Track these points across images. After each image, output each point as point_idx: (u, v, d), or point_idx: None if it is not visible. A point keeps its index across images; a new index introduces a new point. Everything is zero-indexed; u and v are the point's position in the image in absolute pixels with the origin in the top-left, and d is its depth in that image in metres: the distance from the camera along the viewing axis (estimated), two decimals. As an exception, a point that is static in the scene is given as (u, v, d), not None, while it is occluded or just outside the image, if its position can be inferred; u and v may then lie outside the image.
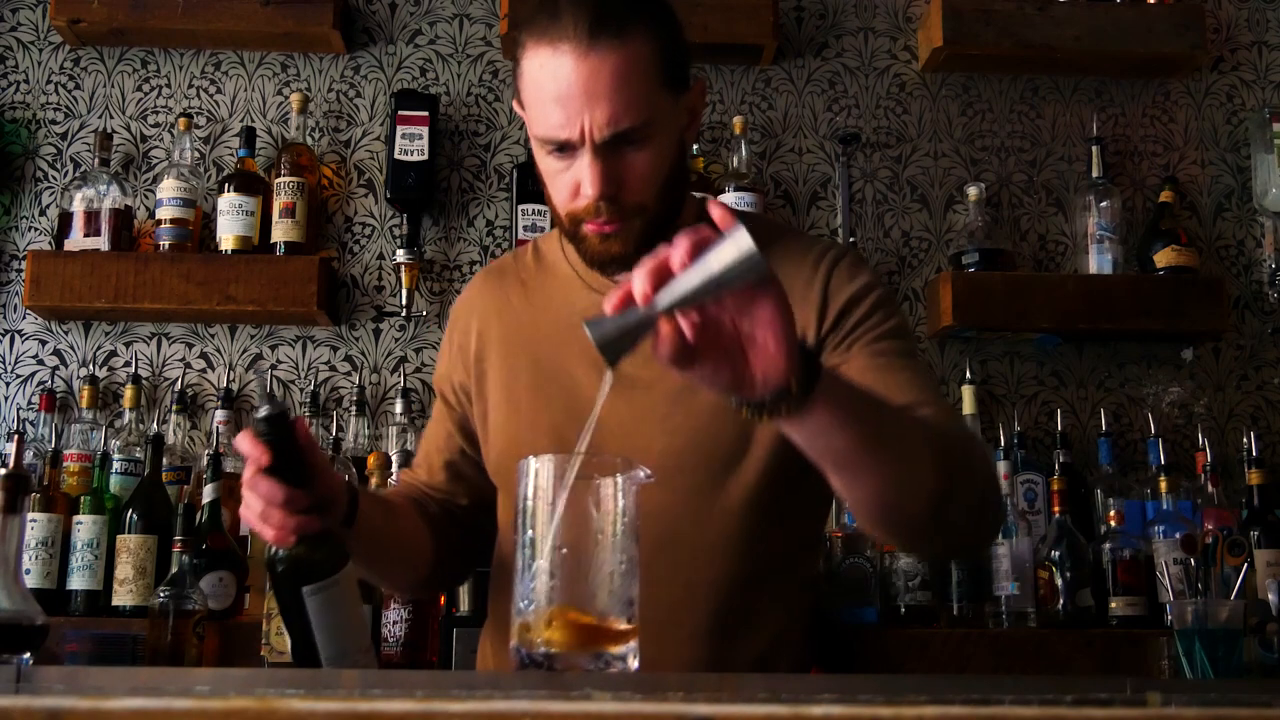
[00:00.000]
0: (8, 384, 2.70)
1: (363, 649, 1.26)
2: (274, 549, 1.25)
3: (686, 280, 1.02)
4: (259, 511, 1.23)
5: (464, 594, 2.30)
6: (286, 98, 2.83)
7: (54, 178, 2.80)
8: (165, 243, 2.64)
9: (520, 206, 2.72)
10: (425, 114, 2.74)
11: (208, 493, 2.37)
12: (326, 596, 1.22)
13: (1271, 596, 2.21)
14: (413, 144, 2.73)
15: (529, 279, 1.60)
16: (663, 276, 1.03)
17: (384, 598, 2.21)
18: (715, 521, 1.45)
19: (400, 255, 2.70)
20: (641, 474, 1.09)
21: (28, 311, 2.70)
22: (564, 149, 1.36)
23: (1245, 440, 2.66)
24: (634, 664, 1.05)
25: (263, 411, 1.22)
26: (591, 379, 1.45)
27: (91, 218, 2.66)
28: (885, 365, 1.39)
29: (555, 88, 1.33)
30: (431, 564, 1.57)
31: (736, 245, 1.01)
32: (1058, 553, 2.41)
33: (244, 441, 1.24)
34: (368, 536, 1.38)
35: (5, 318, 2.73)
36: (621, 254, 1.40)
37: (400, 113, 2.74)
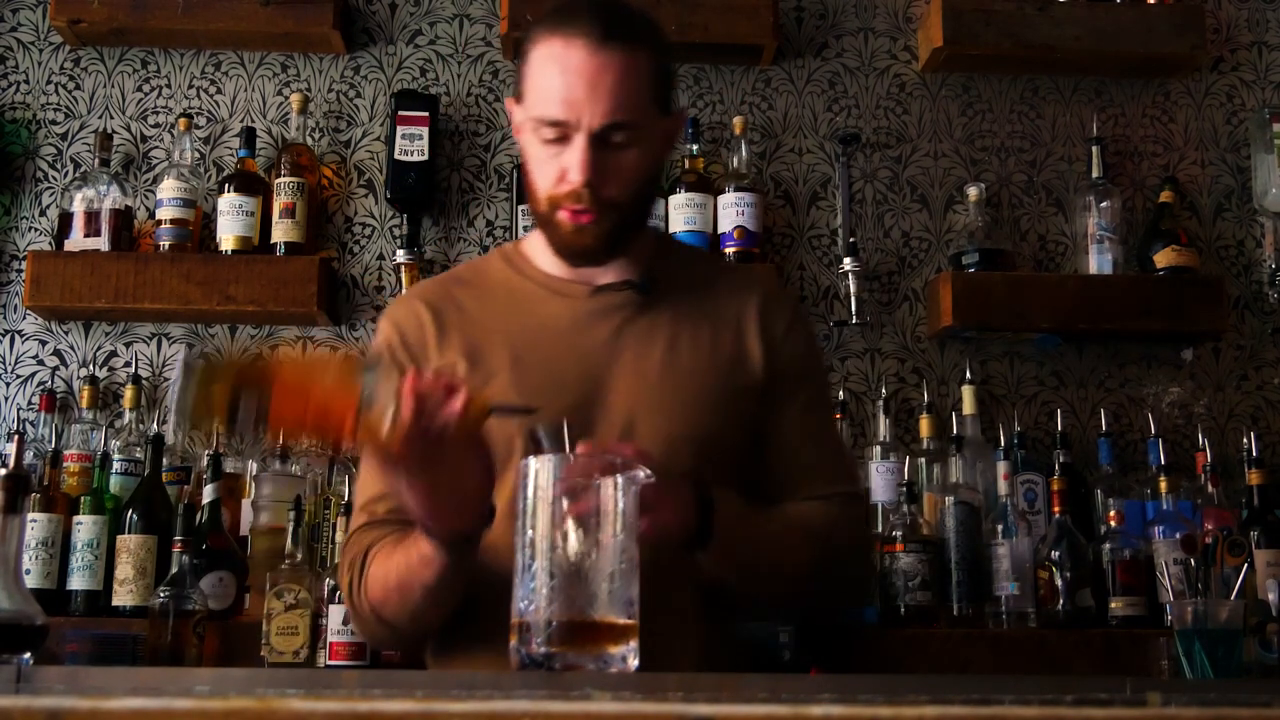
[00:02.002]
0: (8, 384, 2.70)
1: None
2: None
3: None
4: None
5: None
6: (286, 98, 2.83)
7: (54, 178, 2.80)
8: (165, 243, 2.64)
9: (520, 206, 2.72)
10: (425, 114, 2.74)
11: (208, 493, 2.37)
12: None
13: (1271, 596, 2.21)
14: (413, 144, 2.73)
15: (478, 293, 1.61)
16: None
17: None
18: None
19: (400, 255, 2.70)
20: (641, 474, 1.09)
21: (28, 312, 2.70)
22: (558, 137, 1.46)
23: (1245, 440, 2.66)
24: (634, 664, 1.05)
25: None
26: (574, 377, 1.51)
27: (91, 218, 2.66)
28: (815, 435, 1.60)
29: (564, 74, 1.44)
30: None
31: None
32: (1058, 553, 2.41)
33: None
34: (471, 561, 1.37)
35: (5, 318, 2.73)
36: (591, 247, 1.51)
37: (400, 113, 2.74)
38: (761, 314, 1.60)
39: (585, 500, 1.09)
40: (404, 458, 1.20)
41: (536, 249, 1.62)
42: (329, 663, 2.16)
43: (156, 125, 2.84)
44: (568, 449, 1.18)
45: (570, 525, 1.06)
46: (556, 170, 1.47)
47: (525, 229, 2.70)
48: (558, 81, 1.44)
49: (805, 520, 1.52)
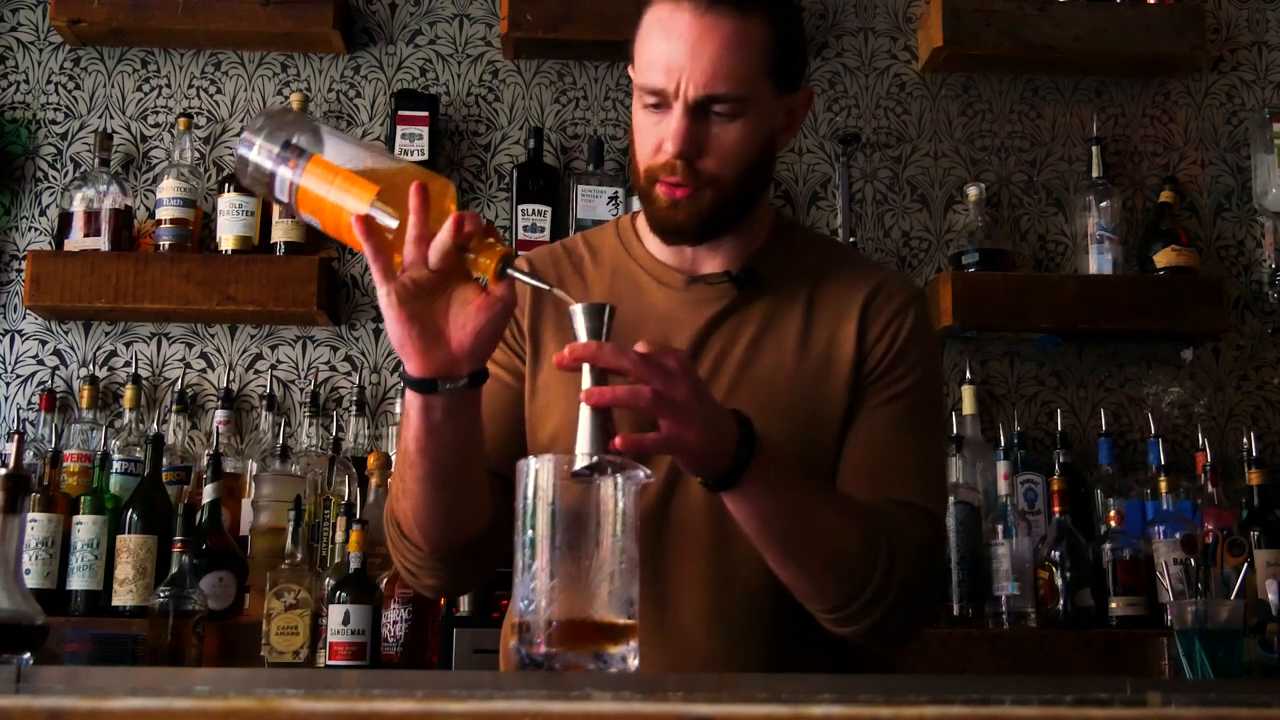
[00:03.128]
0: (8, 384, 2.70)
1: None
2: None
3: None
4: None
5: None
6: (286, 98, 2.83)
7: (54, 178, 2.80)
8: (165, 243, 2.64)
9: (520, 206, 2.72)
10: (425, 114, 2.74)
11: (208, 493, 2.37)
12: None
13: (1271, 596, 2.21)
14: (413, 144, 2.73)
15: (585, 268, 1.56)
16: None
17: (383, 597, 2.21)
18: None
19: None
20: (641, 474, 1.09)
21: (28, 311, 2.70)
22: (659, 104, 1.39)
23: (1245, 440, 2.66)
24: (634, 664, 1.05)
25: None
26: None
27: (91, 218, 2.66)
28: (896, 442, 1.42)
29: (666, 39, 1.37)
30: (484, 530, 1.40)
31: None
32: (1058, 553, 2.41)
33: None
34: (467, 425, 1.29)
35: (5, 318, 2.73)
36: (685, 224, 1.41)
37: (400, 113, 2.74)
38: (865, 308, 1.45)
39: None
40: (406, 272, 1.18)
41: (646, 227, 1.53)
42: (329, 663, 2.16)
43: (156, 125, 2.84)
44: (605, 336, 1.12)
45: (570, 525, 1.06)
46: (655, 140, 1.39)
47: (525, 229, 2.70)
48: (661, 46, 1.37)
49: (868, 506, 1.35)
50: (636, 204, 1.54)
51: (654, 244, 1.52)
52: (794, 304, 1.46)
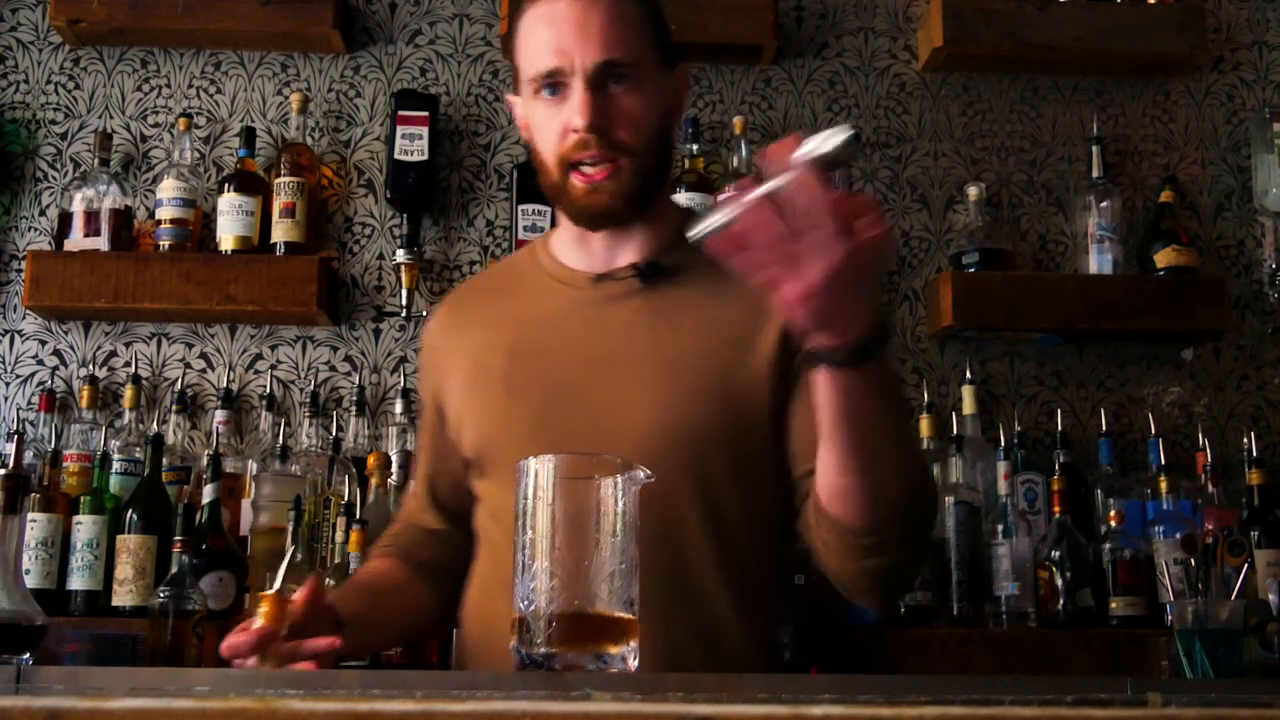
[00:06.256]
0: (8, 384, 2.70)
1: None
2: None
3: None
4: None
5: (464, 594, 2.30)
6: (286, 98, 2.83)
7: (54, 178, 2.80)
8: (165, 243, 2.64)
9: (520, 206, 2.72)
10: (425, 114, 2.74)
11: (208, 493, 2.37)
12: None
13: (1271, 596, 2.21)
14: (413, 144, 2.73)
15: (495, 290, 1.64)
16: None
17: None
18: (702, 501, 1.43)
19: (400, 255, 2.70)
20: (641, 474, 1.09)
21: (28, 311, 2.70)
22: (555, 88, 1.42)
23: (1245, 440, 2.66)
24: (634, 664, 1.05)
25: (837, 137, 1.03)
26: (569, 366, 1.48)
27: (91, 218, 2.66)
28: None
29: (551, 25, 1.42)
30: (436, 615, 1.64)
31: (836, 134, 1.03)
32: (1058, 553, 2.41)
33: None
34: (359, 637, 1.44)
35: (5, 318, 2.73)
36: (609, 204, 1.43)
37: (400, 113, 2.74)
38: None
39: (585, 499, 1.09)
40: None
41: (559, 237, 1.57)
42: (329, 663, 2.16)
43: (156, 125, 2.84)
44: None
45: (570, 525, 1.06)
46: (559, 126, 1.42)
47: (525, 229, 2.70)
48: (546, 34, 1.42)
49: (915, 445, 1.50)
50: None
51: (563, 251, 1.55)
52: (703, 292, 1.47)
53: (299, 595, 1.32)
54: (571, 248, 1.55)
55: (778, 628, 1.56)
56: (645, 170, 1.44)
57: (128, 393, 2.61)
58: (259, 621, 1.27)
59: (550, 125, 1.43)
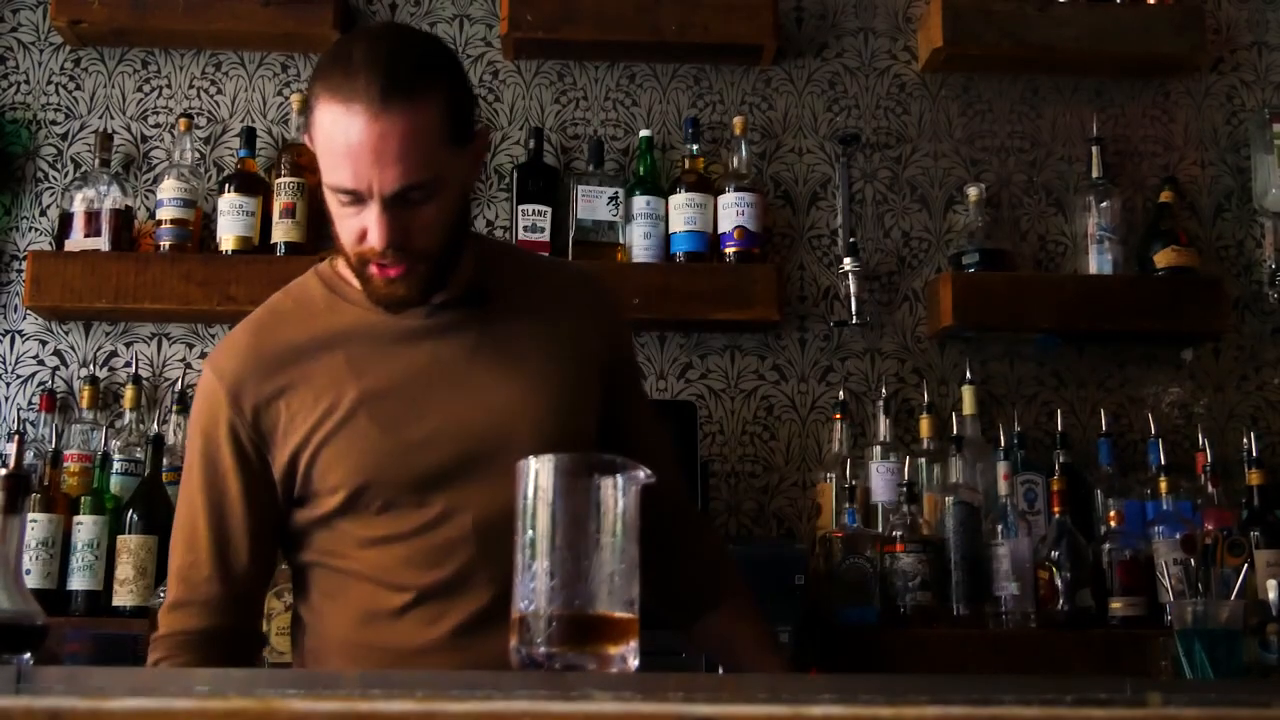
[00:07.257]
0: (8, 384, 2.71)
1: None
2: None
3: None
4: None
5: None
6: (287, 98, 2.83)
7: (54, 178, 2.80)
8: (165, 243, 2.64)
9: (520, 207, 2.72)
10: (425, 114, 2.74)
11: (208, 493, 2.36)
12: None
13: (1271, 596, 2.21)
14: (413, 144, 2.72)
15: (304, 323, 1.55)
16: None
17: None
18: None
19: (400, 255, 2.70)
20: (641, 474, 1.09)
21: (28, 312, 2.70)
22: (354, 200, 1.41)
23: (1245, 440, 2.66)
24: (634, 664, 1.05)
25: None
26: (428, 390, 1.50)
27: (92, 218, 2.66)
28: (651, 426, 1.67)
29: (347, 144, 1.37)
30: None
31: None
32: (1058, 553, 2.41)
33: None
34: None
35: (6, 318, 2.73)
36: (406, 295, 1.46)
37: (400, 113, 2.74)
38: (596, 303, 1.64)
39: (585, 500, 1.09)
40: None
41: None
42: (329, 663, 2.16)
43: (157, 125, 2.84)
44: None
45: (570, 525, 1.06)
46: (356, 229, 1.42)
47: (525, 229, 2.70)
48: (343, 151, 1.37)
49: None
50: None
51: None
52: (534, 309, 1.58)
53: None
54: None
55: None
56: (443, 261, 1.47)
57: (128, 393, 2.61)
58: None
59: (348, 222, 1.43)
